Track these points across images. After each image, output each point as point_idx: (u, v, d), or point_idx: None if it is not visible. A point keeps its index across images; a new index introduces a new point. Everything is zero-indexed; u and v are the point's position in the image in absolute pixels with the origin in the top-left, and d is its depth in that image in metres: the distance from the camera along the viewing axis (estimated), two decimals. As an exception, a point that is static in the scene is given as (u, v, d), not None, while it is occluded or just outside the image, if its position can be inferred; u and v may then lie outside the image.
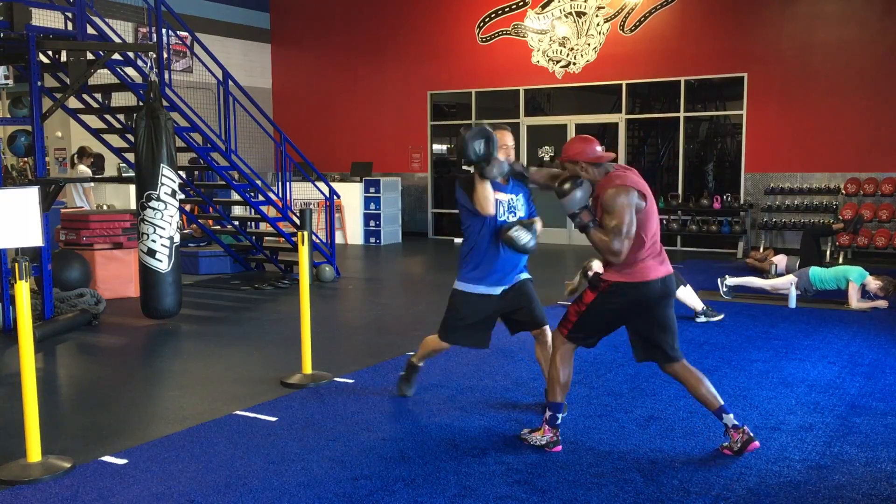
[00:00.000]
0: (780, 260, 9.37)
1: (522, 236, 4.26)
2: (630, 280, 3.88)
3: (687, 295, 7.34)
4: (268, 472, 3.87)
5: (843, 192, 11.89)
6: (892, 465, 3.92)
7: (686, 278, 7.64)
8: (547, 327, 4.59)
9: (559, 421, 4.13)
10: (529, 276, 4.65)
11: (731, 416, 4.02)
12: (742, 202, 12.64)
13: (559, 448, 4.10)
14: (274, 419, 4.65)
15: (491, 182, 4.29)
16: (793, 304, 7.97)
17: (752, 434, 4.01)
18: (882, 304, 7.84)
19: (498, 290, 4.49)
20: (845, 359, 5.98)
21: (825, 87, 12.07)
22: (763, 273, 9.41)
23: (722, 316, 7.39)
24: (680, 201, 13.08)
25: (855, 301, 7.83)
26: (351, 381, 5.39)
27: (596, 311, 4.01)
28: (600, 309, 4.00)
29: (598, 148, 4.02)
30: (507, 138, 4.53)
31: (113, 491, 3.67)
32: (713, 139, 13.82)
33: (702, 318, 7.30)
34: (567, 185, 3.94)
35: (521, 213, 4.46)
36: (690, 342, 6.52)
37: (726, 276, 8.48)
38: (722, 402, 4.03)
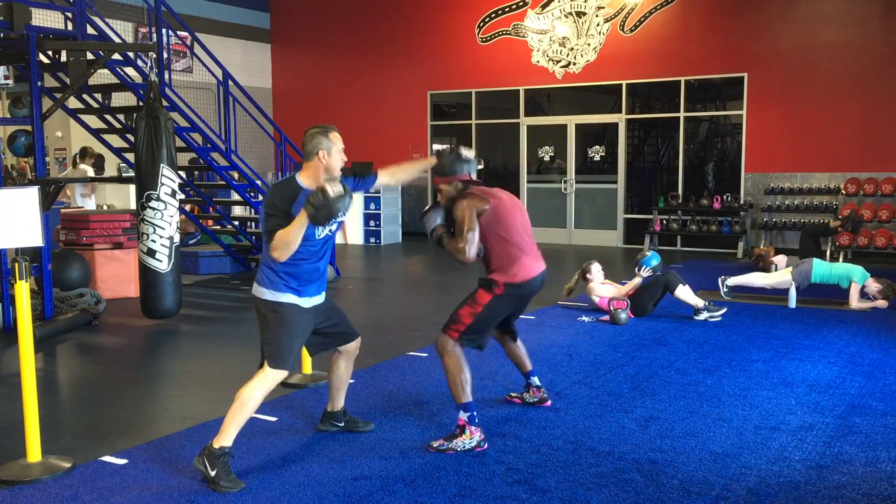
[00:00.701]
0: (781, 260, 9.37)
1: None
2: (518, 280, 4.26)
3: (686, 294, 7.35)
4: (268, 472, 3.87)
5: (843, 192, 11.89)
6: (892, 465, 3.92)
7: (686, 278, 7.64)
8: (359, 340, 4.34)
9: (477, 420, 4.15)
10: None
11: (536, 378, 4.82)
12: (742, 202, 12.64)
13: (486, 446, 4.12)
14: (274, 419, 4.65)
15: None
16: (793, 304, 7.97)
17: (546, 396, 4.83)
18: (882, 304, 7.84)
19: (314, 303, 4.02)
20: (845, 359, 5.98)
21: (825, 88, 12.07)
22: (765, 267, 9.38)
23: (725, 309, 7.40)
24: (680, 201, 13.08)
25: (855, 301, 7.83)
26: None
27: (491, 311, 4.28)
28: (495, 309, 4.30)
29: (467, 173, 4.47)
30: (339, 140, 3.93)
31: (113, 491, 3.67)
32: (713, 139, 13.82)
33: (703, 315, 7.30)
34: (425, 215, 4.47)
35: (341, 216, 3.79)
36: (691, 342, 6.52)
37: (727, 277, 8.48)
38: (531, 367, 4.81)
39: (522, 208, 4.48)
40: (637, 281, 7.52)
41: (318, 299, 4.04)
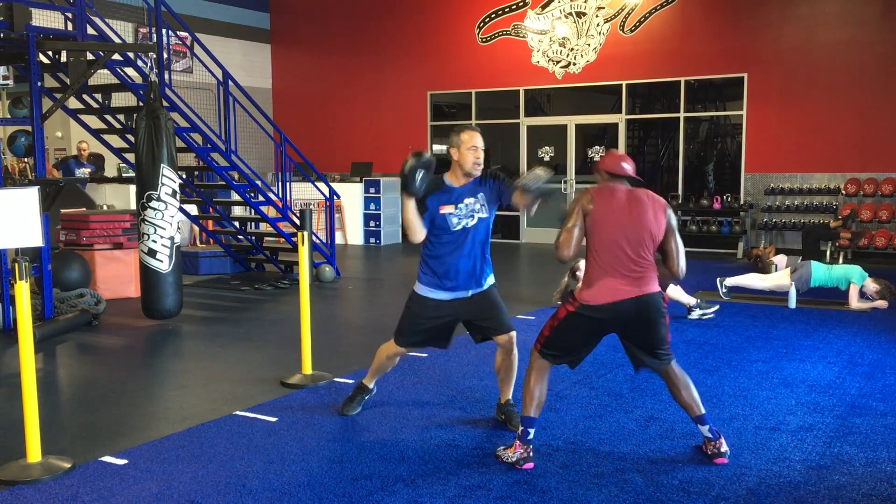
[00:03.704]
0: (780, 260, 9.36)
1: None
2: (591, 302, 3.81)
3: (676, 292, 7.35)
4: (268, 472, 3.87)
5: (843, 192, 11.89)
6: (892, 465, 3.92)
7: (685, 278, 7.61)
8: (514, 334, 4.40)
9: (531, 436, 3.94)
10: (494, 283, 4.47)
11: (708, 426, 3.98)
12: (742, 202, 12.64)
13: (531, 465, 3.89)
14: (274, 419, 4.65)
15: (444, 193, 4.19)
16: (793, 304, 7.97)
17: (724, 450, 3.96)
18: (882, 304, 7.84)
19: (458, 295, 4.31)
20: (845, 359, 5.98)
21: (825, 88, 12.07)
22: (765, 267, 9.37)
23: (717, 307, 7.40)
24: (680, 201, 13.08)
25: (855, 301, 7.83)
26: (351, 381, 5.39)
27: (567, 328, 3.91)
28: (571, 326, 3.90)
29: (626, 165, 4.02)
30: (476, 139, 4.21)
31: (113, 491, 3.67)
32: (713, 139, 13.83)
33: (696, 313, 7.31)
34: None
35: (481, 214, 4.25)
36: (690, 342, 6.52)
37: (725, 277, 8.48)
38: (703, 411, 3.99)
39: (640, 220, 3.81)
40: None
41: (463, 294, 4.31)
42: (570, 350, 3.97)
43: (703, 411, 3.99)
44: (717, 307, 7.41)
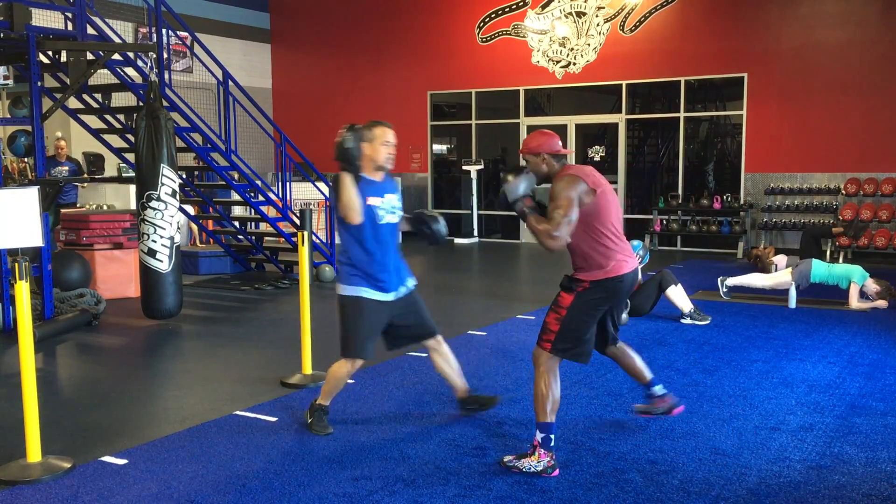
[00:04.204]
0: (780, 260, 9.37)
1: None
2: (603, 277, 3.89)
3: (676, 295, 7.32)
4: (268, 472, 3.87)
5: (843, 192, 11.89)
6: (892, 465, 3.92)
7: (685, 278, 7.64)
8: (440, 336, 4.53)
9: (553, 443, 3.84)
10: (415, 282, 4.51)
11: (659, 386, 4.44)
12: (742, 202, 12.64)
13: (557, 472, 3.80)
14: (274, 419, 4.65)
15: (368, 184, 4.22)
16: (793, 304, 7.97)
17: (676, 400, 4.47)
18: (882, 304, 7.84)
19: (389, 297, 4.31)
20: (845, 359, 5.98)
21: (825, 88, 12.07)
22: (765, 268, 9.37)
23: (710, 319, 7.34)
24: (680, 201, 13.08)
25: (855, 301, 7.83)
26: (351, 381, 5.39)
27: (580, 313, 3.91)
28: (583, 309, 3.91)
29: (559, 143, 4.05)
30: (388, 135, 4.25)
31: (113, 491, 3.67)
32: (713, 139, 13.83)
33: (687, 321, 7.27)
34: (511, 175, 3.95)
35: (399, 213, 4.37)
36: (690, 342, 6.52)
37: (726, 277, 8.48)
38: (651, 376, 4.43)
39: (615, 197, 4.03)
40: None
41: (395, 293, 4.32)
42: (581, 337, 3.94)
43: (652, 375, 4.45)
44: (709, 319, 7.31)
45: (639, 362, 4.40)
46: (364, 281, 4.24)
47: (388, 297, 4.29)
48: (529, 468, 3.80)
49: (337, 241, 4.31)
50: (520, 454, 3.91)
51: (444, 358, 4.56)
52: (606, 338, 4.24)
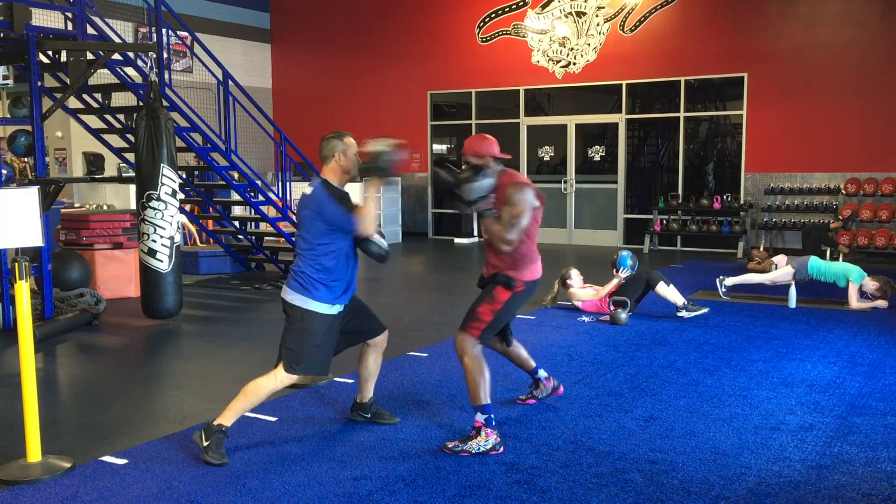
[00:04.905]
0: (780, 260, 9.36)
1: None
2: (532, 278, 4.30)
3: (668, 291, 7.37)
4: (268, 472, 3.87)
5: (843, 192, 11.89)
6: (892, 465, 3.92)
7: (685, 278, 7.65)
8: (387, 332, 4.53)
9: (494, 423, 4.11)
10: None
11: (542, 370, 4.83)
12: (742, 202, 12.64)
13: (503, 449, 4.07)
14: (274, 419, 4.65)
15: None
16: (793, 304, 7.97)
17: (557, 382, 4.87)
18: (882, 304, 7.84)
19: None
20: (845, 359, 5.98)
21: (825, 88, 12.07)
22: (764, 271, 9.38)
23: (706, 309, 7.39)
24: (680, 201, 13.08)
25: (855, 301, 7.83)
26: (351, 381, 5.39)
27: (510, 308, 4.29)
28: (514, 305, 4.31)
29: (498, 147, 4.32)
30: (355, 145, 4.23)
31: (113, 491, 3.67)
32: (713, 139, 13.83)
33: (683, 313, 7.31)
34: (470, 174, 4.16)
35: None
36: (691, 342, 6.52)
37: (724, 277, 8.48)
38: (535, 363, 4.80)
39: None
40: (615, 282, 7.56)
41: (347, 302, 4.21)
42: (501, 328, 4.42)
43: (535, 362, 4.81)
44: (706, 309, 7.35)
45: (524, 352, 4.79)
46: (337, 296, 4.09)
47: (343, 307, 4.20)
48: (479, 448, 4.04)
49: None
50: (464, 438, 4.12)
51: (377, 358, 4.49)
52: (505, 334, 4.61)
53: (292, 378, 4.13)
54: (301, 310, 4.06)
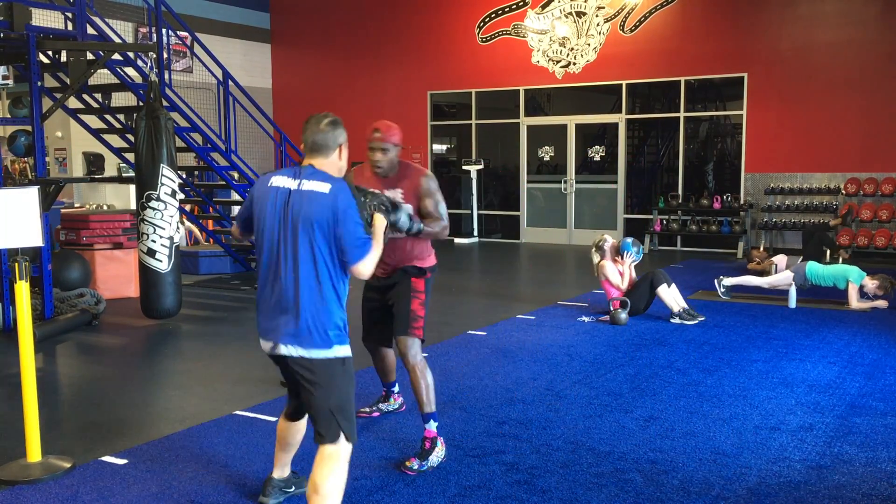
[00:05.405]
0: (780, 260, 9.37)
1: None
2: (435, 263, 4.31)
3: (667, 294, 7.31)
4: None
5: (843, 192, 11.89)
6: (892, 465, 3.92)
7: (686, 278, 7.64)
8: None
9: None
10: None
11: (396, 385, 4.74)
12: (742, 202, 12.64)
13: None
14: (274, 419, 4.64)
15: None
16: (793, 304, 7.97)
17: (403, 401, 4.78)
18: (882, 304, 7.84)
19: None
20: (845, 359, 5.98)
21: (825, 88, 12.07)
22: (763, 274, 9.38)
23: (702, 318, 7.33)
24: (680, 201, 13.07)
25: (855, 301, 7.83)
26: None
27: (428, 296, 4.23)
28: (429, 292, 4.24)
29: None
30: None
31: (113, 491, 3.67)
32: (713, 139, 13.82)
33: (675, 320, 7.25)
34: (388, 215, 3.47)
35: None
36: (691, 342, 6.52)
37: (723, 277, 8.48)
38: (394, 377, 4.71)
39: None
40: (629, 261, 7.55)
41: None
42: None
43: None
44: (702, 318, 7.29)
45: (393, 359, 4.60)
46: (345, 336, 3.10)
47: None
48: (438, 460, 3.91)
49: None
50: (421, 453, 3.89)
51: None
52: (389, 335, 4.30)
53: (349, 447, 3.10)
54: (339, 359, 3.04)
